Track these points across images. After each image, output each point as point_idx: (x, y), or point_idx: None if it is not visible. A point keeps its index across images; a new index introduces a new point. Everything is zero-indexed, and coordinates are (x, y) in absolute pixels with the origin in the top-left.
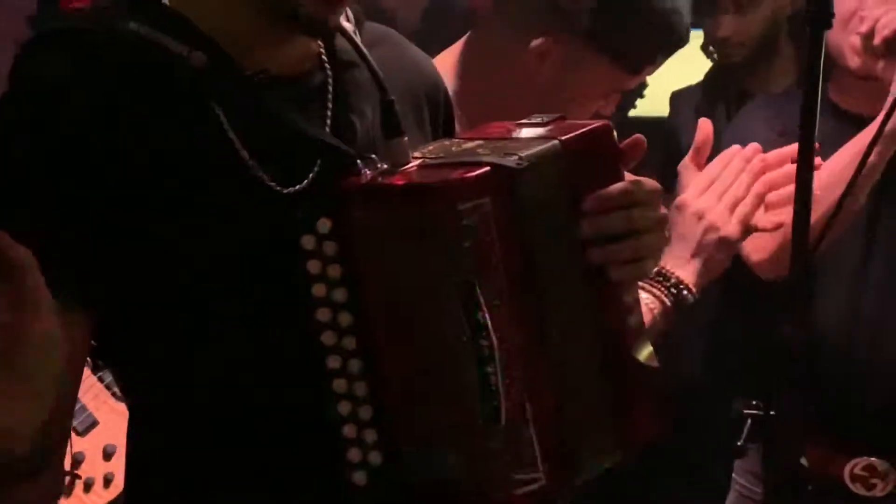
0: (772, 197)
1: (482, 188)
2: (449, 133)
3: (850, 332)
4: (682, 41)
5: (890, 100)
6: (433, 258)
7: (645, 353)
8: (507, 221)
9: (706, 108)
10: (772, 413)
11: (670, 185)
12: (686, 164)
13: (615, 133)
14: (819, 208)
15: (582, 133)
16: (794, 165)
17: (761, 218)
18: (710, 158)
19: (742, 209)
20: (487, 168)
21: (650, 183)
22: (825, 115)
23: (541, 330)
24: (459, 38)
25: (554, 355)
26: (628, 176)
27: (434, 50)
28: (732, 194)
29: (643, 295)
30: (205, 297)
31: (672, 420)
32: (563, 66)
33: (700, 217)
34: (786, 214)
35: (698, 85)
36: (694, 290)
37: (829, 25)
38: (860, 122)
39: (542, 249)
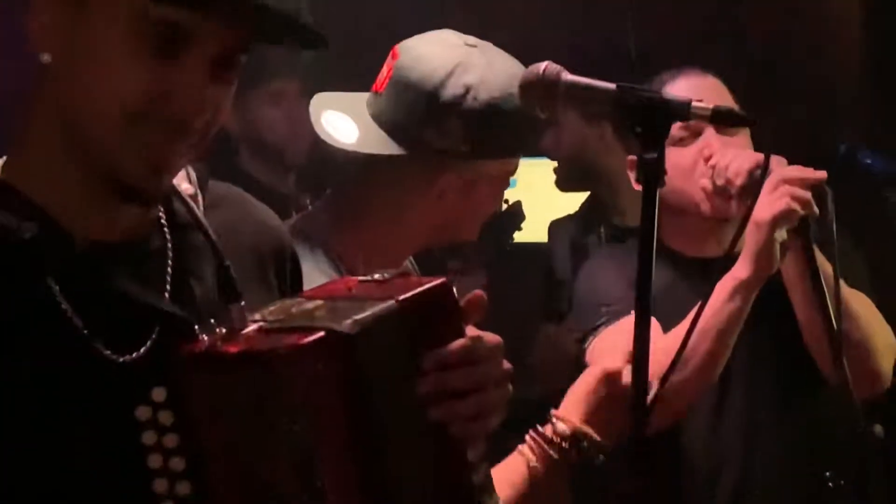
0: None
1: (316, 354)
2: (296, 290)
3: (717, 468)
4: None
5: (751, 247)
6: (270, 425)
7: None
8: (342, 385)
9: (579, 238)
10: None
11: (546, 305)
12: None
13: (455, 290)
14: (692, 361)
15: (420, 292)
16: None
17: None
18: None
19: None
20: (321, 333)
21: (492, 338)
22: (668, 265)
23: (383, 492)
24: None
25: None
26: (472, 330)
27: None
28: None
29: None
30: (38, 473)
31: None
32: (461, 190)
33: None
34: None
35: (573, 215)
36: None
37: (662, 184)
38: (703, 266)
39: (382, 410)
